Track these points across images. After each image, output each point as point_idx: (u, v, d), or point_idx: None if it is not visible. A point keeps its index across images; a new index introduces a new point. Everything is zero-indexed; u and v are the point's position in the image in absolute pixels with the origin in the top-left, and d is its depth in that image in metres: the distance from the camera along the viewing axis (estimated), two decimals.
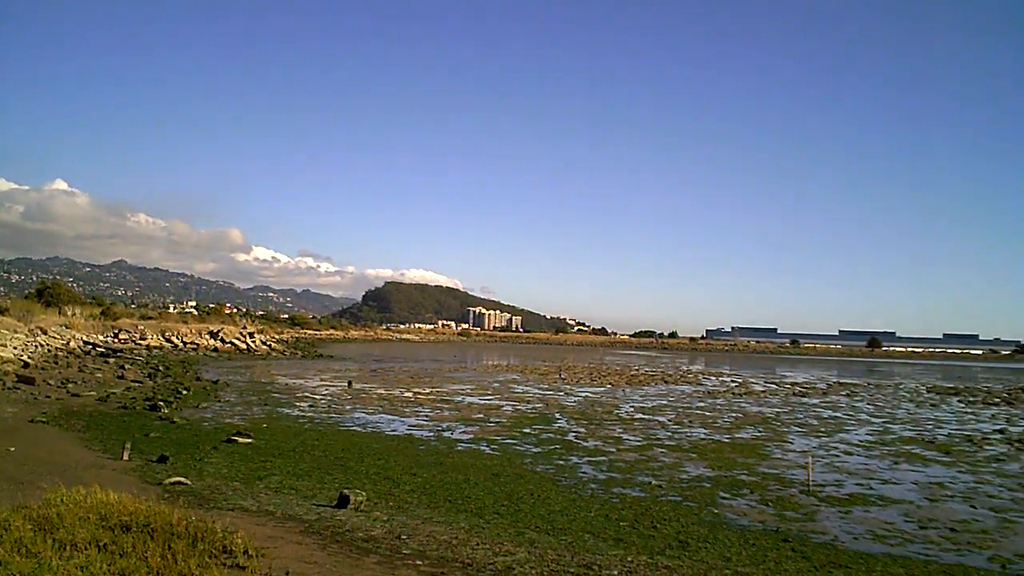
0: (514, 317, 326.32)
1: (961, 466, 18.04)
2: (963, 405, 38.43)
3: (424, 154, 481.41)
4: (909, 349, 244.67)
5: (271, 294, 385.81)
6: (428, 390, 34.24)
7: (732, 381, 52.47)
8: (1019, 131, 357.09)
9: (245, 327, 75.25)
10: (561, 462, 16.48)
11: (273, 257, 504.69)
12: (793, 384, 51.50)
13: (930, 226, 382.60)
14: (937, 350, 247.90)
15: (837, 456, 18.99)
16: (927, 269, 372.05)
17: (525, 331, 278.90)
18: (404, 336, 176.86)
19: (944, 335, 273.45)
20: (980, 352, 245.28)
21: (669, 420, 25.46)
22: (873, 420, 28.40)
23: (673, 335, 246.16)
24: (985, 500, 14.12)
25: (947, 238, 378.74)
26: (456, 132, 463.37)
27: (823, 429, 24.65)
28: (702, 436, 21.65)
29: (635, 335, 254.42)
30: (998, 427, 27.47)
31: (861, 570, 9.13)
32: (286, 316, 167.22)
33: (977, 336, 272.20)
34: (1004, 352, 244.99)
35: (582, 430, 21.95)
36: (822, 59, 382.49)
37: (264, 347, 69.23)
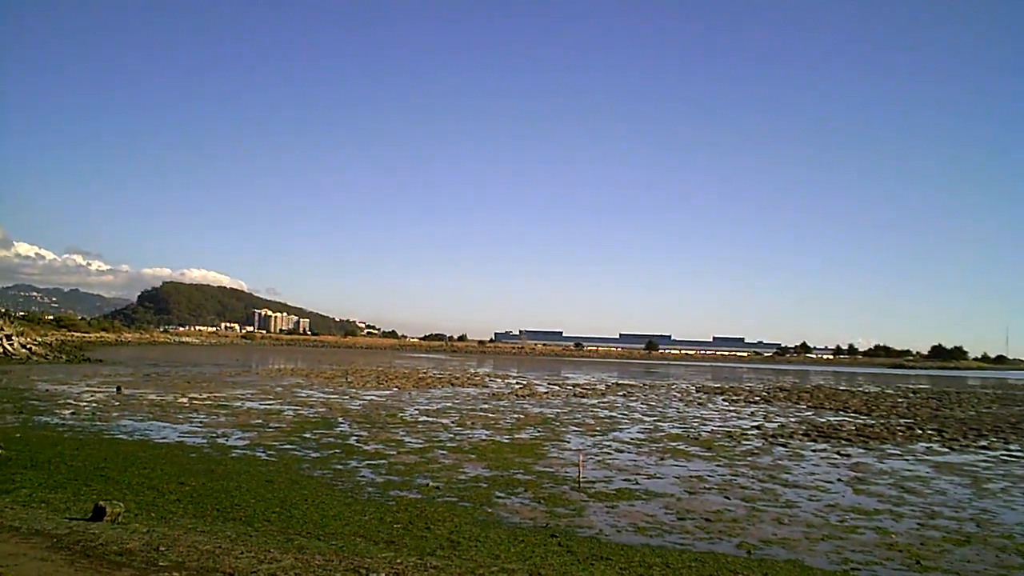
0: (302, 320, 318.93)
1: (720, 460, 19.29)
2: (727, 404, 41.18)
3: (200, 145, 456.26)
4: (683, 351, 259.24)
5: (34, 294, 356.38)
6: (205, 395, 32.83)
7: (517, 383, 53.70)
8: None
9: (2, 328, 69.28)
10: (340, 466, 16.27)
11: (37, 254, 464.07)
12: (575, 385, 53.40)
13: (699, 241, 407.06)
14: (708, 352, 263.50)
15: (609, 454, 19.82)
16: (699, 278, 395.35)
17: (313, 334, 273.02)
18: (184, 339, 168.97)
19: (714, 338, 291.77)
20: (746, 354, 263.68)
21: (452, 422, 25.70)
22: (645, 419, 29.88)
23: (463, 338, 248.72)
24: (738, 491, 15.17)
25: (714, 251, 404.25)
26: (234, 117, 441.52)
27: (598, 428, 25.67)
28: (483, 437, 22.00)
29: (425, 338, 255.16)
30: (756, 423, 29.63)
31: (621, 561, 9.56)
32: (51, 317, 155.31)
33: (743, 339, 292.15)
34: (767, 354, 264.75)
35: (364, 434, 21.77)
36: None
37: (24, 351, 64.02)
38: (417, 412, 28.93)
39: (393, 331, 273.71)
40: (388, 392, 39.62)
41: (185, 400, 30.10)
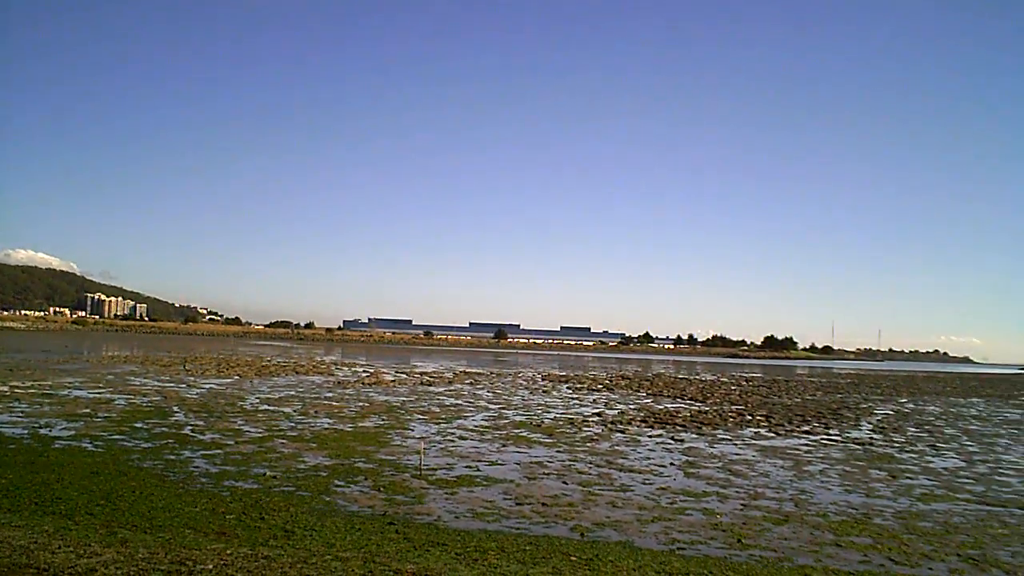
0: (139, 305, 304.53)
1: (561, 447, 19.69)
2: (571, 391, 42.08)
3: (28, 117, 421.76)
4: (531, 340, 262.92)
5: None
6: (29, 383, 30.96)
7: (364, 371, 53.20)
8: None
9: None
10: (172, 457, 15.67)
11: None
12: (422, 374, 53.34)
13: (546, 232, 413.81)
14: (555, 341, 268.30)
15: (452, 441, 19.91)
16: (548, 269, 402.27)
17: (151, 320, 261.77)
18: (7, 324, 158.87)
19: (561, 327, 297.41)
20: (591, 343, 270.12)
21: (295, 411, 25.22)
22: (490, 407, 30.17)
23: (310, 325, 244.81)
24: (576, 476, 15.53)
25: (561, 243, 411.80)
26: (60, 78, 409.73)
27: (443, 416, 25.74)
28: (326, 426, 21.68)
29: (270, 325, 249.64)
30: (597, 410, 30.40)
31: (457, 546, 9.62)
32: None
33: (589, 329, 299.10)
34: (611, 343, 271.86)
35: (201, 423, 21.07)
36: None
37: None
38: (258, 401, 28.22)
39: (237, 318, 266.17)
40: (229, 380, 38.46)
41: (5, 388, 28.28)
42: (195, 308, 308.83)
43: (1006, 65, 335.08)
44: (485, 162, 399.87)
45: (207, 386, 34.23)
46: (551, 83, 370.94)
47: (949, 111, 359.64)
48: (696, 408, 33.63)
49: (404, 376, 49.28)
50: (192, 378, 38.80)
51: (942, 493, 15.42)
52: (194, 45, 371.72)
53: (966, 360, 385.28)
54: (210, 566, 7.74)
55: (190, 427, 20.24)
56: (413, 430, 21.67)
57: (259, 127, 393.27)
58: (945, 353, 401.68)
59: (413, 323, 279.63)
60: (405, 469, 15.39)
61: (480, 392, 38.05)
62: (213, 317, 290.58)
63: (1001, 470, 18.98)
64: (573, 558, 9.34)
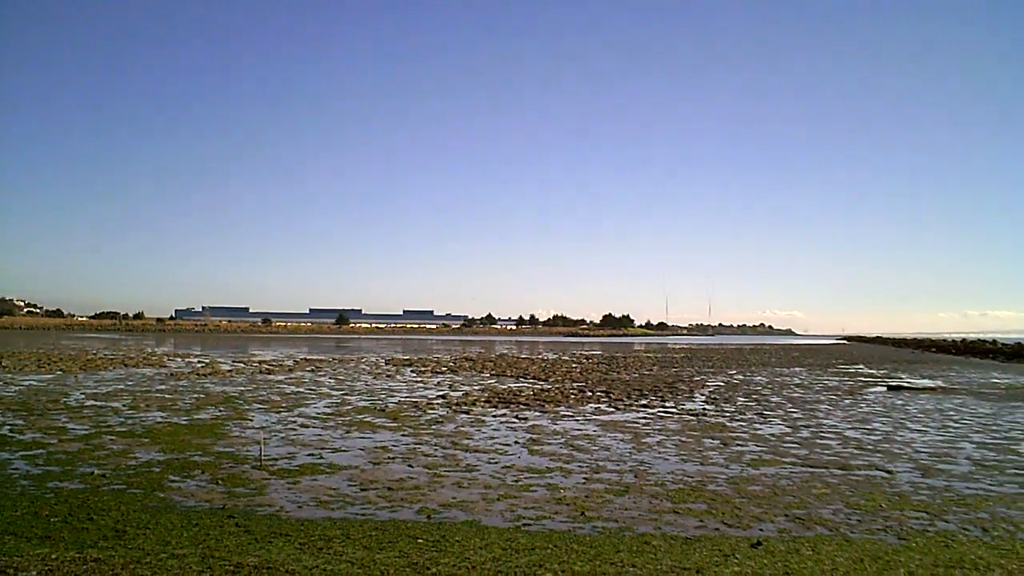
0: None
1: (406, 430, 19.57)
2: (415, 375, 41.95)
3: None
4: (374, 325, 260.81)
5: None
6: None
7: (199, 362, 51.29)
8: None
9: None
10: None
11: None
12: (261, 362, 51.92)
13: (385, 216, 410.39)
14: (398, 325, 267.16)
15: (294, 429, 19.45)
16: (388, 252, 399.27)
17: None
18: None
19: (404, 311, 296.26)
20: (435, 326, 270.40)
21: (124, 405, 24.00)
22: (333, 393, 29.69)
23: (139, 316, 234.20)
24: (421, 459, 15.46)
25: (402, 226, 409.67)
26: None
27: (284, 404, 25.12)
28: (159, 419, 20.75)
29: (96, 316, 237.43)
30: (441, 392, 30.42)
31: (300, 536, 9.40)
32: None
33: (432, 312, 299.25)
34: (455, 325, 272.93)
35: (20, 422, 19.75)
36: None
37: None
38: (84, 396, 26.71)
39: (58, 310, 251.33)
40: (51, 376, 36.24)
41: None
42: (11, 300, 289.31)
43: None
44: (319, 139, 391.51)
45: (26, 382, 32.16)
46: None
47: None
48: (539, 387, 34.18)
49: (242, 365, 47.78)
50: (9, 375, 36.32)
51: (770, 458, 16.23)
52: None
53: (789, 332, 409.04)
54: (34, 572, 7.26)
55: (8, 427, 18.93)
56: (252, 420, 21.04)
57: (61, 95, 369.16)
58: (770, 326, 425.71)
59: (251, 311, 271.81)
60: (245, 460, 14.91)
61: (322, 379, 37.36)
62: (31, 310, 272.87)
63: (822, 434, 20.16)
64: (420, 540, 9.29)
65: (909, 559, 8.81)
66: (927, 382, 42.03)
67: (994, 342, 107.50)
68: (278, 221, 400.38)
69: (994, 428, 21.70)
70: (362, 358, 61.75)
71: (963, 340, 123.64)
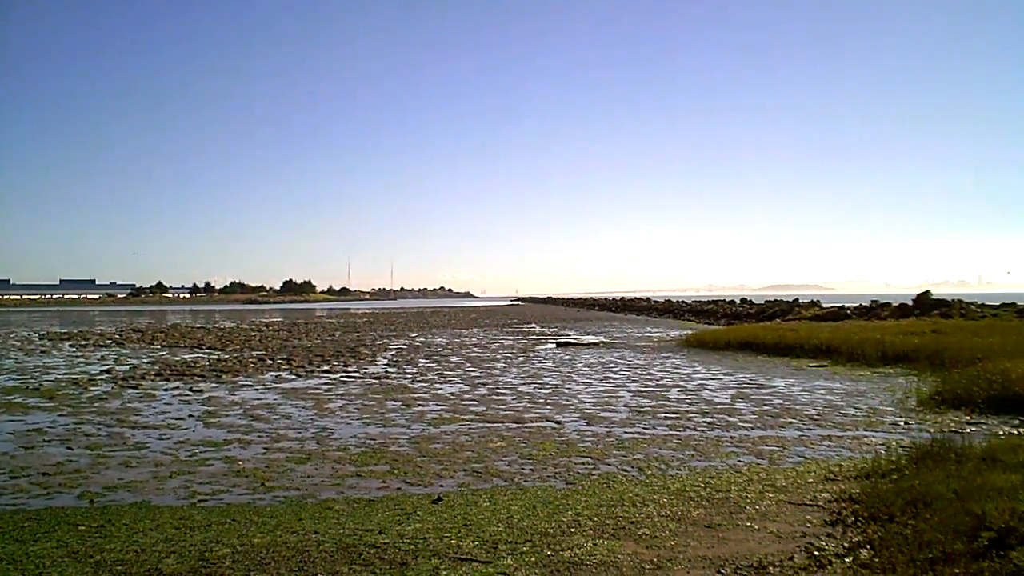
0: None
1: (64, 410, 17.92)
2: (75, 349, 38.67)
3: None
4: (25, 296, 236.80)
5: None
6: None
7: None
8: None
9: None
10: None
11: None
12: None
13: (31, 171, 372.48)
14: (55, 296, 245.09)
15: None
16: (42, 212, 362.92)
17: None
18: None
19: (62, 281, 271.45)
20: (98, 296, 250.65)
21: None
22: None
23: None
24: (83, 440, 14.22)
25: (57, 183, 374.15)
26: None
27: None
28: None
29: None
30: (106, 367, 28.25)
31: None
32: None
33: (95, 281, 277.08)
34: (120, 296, 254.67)
35: None
36: None
37: None
38: None
39: None
40: None
41: None
42: None
43: None
44: None
45: None
46: None
47: None
48: (215, 356, 32.79)
49: None
50: None
51: (450, 416, 16.71)
52: None
53: (468, 295, 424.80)
54: None
55: None
56: None
57: None
58: (450, 289, 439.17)
59: None
60: None
61: None
62: None
63: (499, 390, 21.09)
64: (82, 527, 8.53)
65: (576, 501, 9.42)
66: (591, 338, 45.49)
67: (648, 299, 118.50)
68: None
69: (647, 377, 23.87)
70: (11, 333, 55.84)
71: (623, 298, 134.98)
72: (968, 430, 13.91)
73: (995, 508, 6.80)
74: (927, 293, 52.04)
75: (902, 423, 15.10)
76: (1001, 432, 13.57)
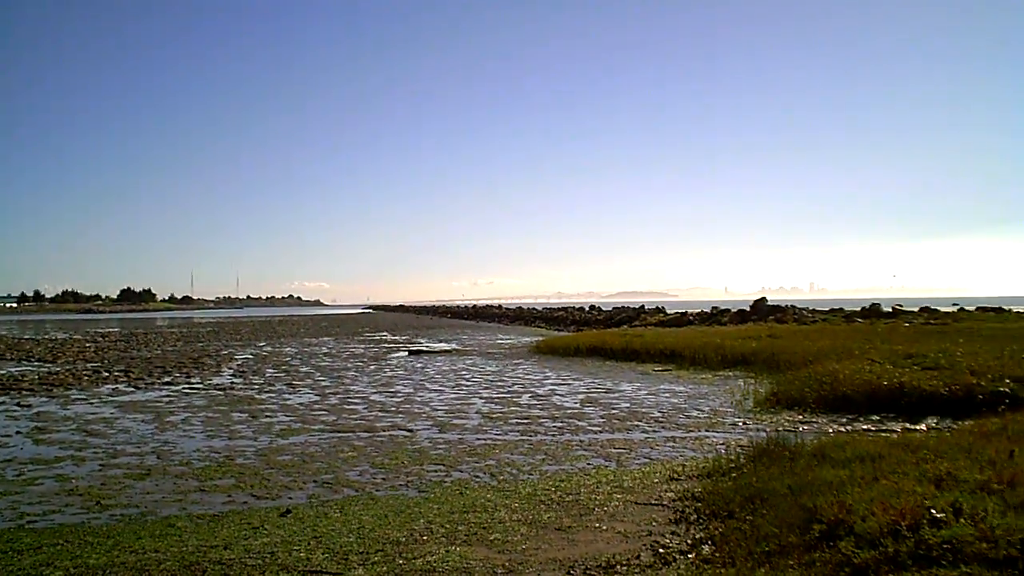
0: None
1: None
2: None
3: None
4: None
5: None
6: None
7: None
8: None
9: None
10: None
11: None
12: None
13: None
14: None
15: None
16: None
17: None
18: None
19: None
20: None
21: None
22: None
23: None
24: None
25: None
26: None
27: None
28: None
29: None
30: None
31: None
32: None
33: None
34: None
35: None
36: None
37: None
38: None
39: None
40: None
41: None
42: None
43: None
44: None
45: None
46: None
47: None
48: (46, 369, 30.97)
49: None
50: None
51: (299, 427, 16.36)
52: None
53: (318, 303, 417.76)
54: None
55: None
56: None
57: None
58: (299, 297, 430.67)
59: None
60: None
61: None
62: None
63: (349, 399, 20.81)
64: None
65: (428, 509, 9.39)
66: (444, 345, 45.55)
67: (499, 307, 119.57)
68: None
69: (499, 384, 24.08)
70: None
71: (475, 306, 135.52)
72: (801, 429, 14.71)
73: (825, 502, 7.19)
74: (763, 299, 54.76)
75: (741, 423, 15.81)
76: (831, 430, 14.43)
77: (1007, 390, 15.64)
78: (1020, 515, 6.40)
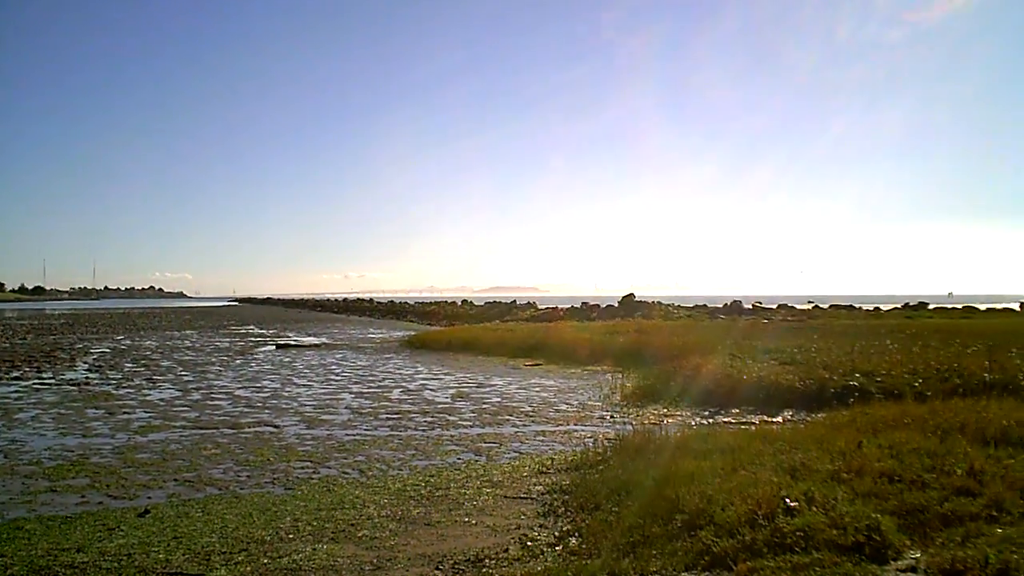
0: None
1: None
2: None
3: None
4: None
5: None
6: None
7: None
8: None
9: None
10: None
11: None
12: None
13: None
14: None
15: None
16: None
17: None
18: None
19: None
20: None
21: None
22: None
23: None
24: None
25: None
26: None
27: None
28: None
29: None
30: None
31: None
32: None
33: None
34: None
35: None
36: None
37: None
38: None
39: None
40: None
41: None
42: None
43: None
44: None
45: None
46: None
47: None
48: None
49: None
50: None
51: (159, 423, 15.78)
52: None
53: (181, 295, 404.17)
54: None
55: None
56: None
57: None
58: (161, 289, 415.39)
59: None
60: None
61: None
62: None
63: (213, 395, 20.21)
64: None
65: (295, 507, 9.21)
66: (313, 339, 44.79)
67: (371, 300, 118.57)
68: None
69: (370, 379, 23.84)
70: None
71: (345, 299, 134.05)
72: (666, 422, 15.14)
73: (688, 493, 7.43)
74: (631, 295, 56.12)
75: (608, 417, 16.15)
76: (694, 423, 14.92)
77: (856, 384, 16.59)
78: (867, 502, 6.78)
